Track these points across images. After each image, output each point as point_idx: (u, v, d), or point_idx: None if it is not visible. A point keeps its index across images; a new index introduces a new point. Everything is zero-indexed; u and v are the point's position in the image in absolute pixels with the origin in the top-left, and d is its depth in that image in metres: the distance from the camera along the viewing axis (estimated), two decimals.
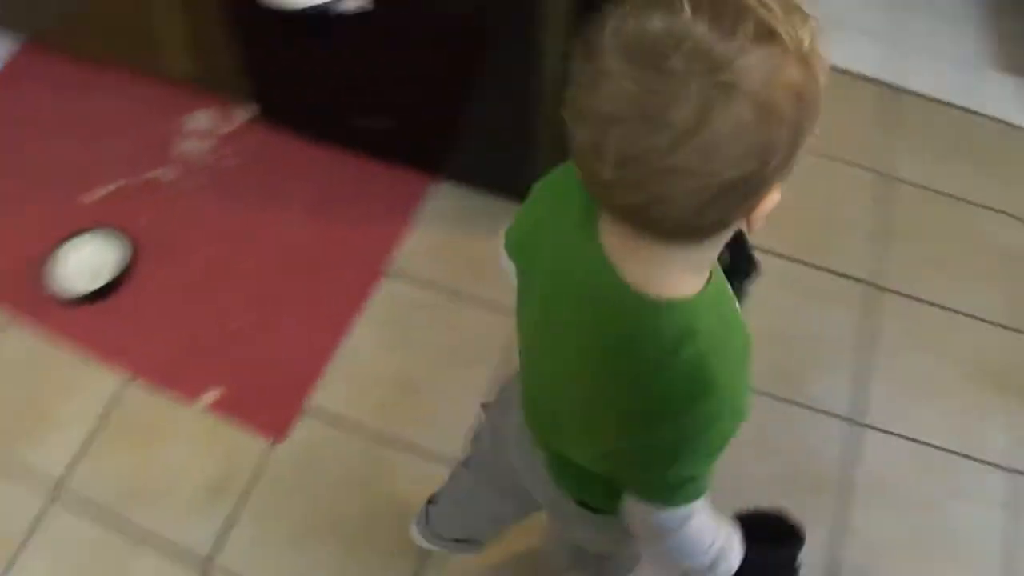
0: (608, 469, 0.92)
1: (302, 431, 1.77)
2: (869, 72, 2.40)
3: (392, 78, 1.88)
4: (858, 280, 2.04)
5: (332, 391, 1.81)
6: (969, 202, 2.23)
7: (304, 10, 1.71)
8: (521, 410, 1.07)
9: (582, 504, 1.06)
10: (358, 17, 1.71)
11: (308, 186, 2.09)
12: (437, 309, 1.94)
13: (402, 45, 1.80)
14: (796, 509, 1.12)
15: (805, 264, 2.05)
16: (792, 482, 1.75)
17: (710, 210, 0.66)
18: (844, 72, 2.35)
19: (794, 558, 1.20)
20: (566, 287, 0.83)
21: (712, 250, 0.76)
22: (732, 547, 0.92)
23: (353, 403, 1.80)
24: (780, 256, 2.01)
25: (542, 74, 1.74)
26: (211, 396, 1.80)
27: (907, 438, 1.83)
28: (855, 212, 2.17)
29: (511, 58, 1.75)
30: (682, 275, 0.76)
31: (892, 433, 1.83)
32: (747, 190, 0.66)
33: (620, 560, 1.26)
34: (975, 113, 2.36)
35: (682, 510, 0.85)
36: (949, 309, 1.99)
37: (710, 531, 0.89)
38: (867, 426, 1.84)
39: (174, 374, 1.83)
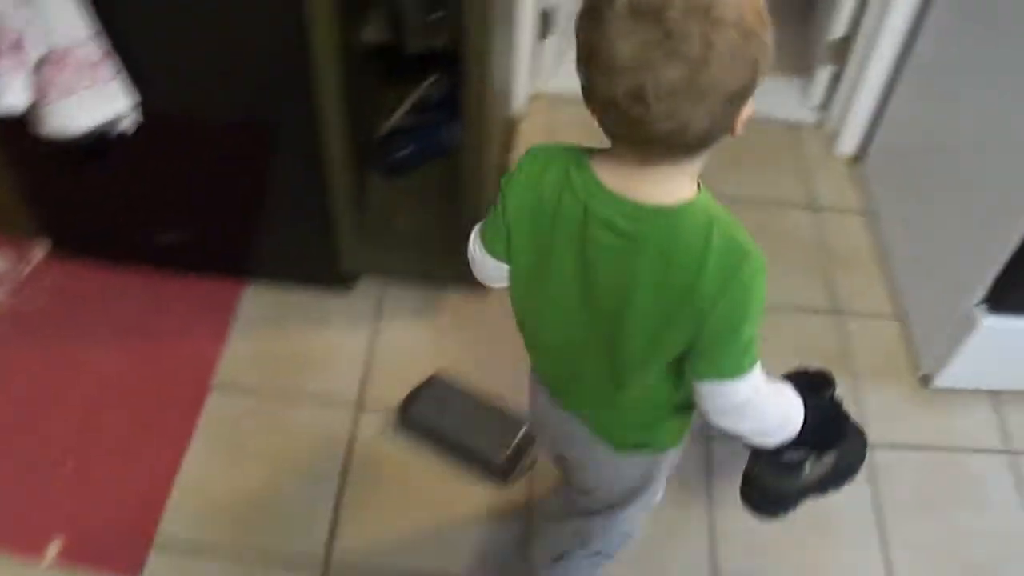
0: (674, 379, 1.06)
1: (158, 564, 1.67)
2: None
3: (179, 190, 1.85)
4: None
5: (181, 516, 1.72)
6: (771, 202, 2.35)
7: (81, 136, 1.65)
8: (544, 389, 1.22)
9: (611, 442, 1.18)
10: (135, 134, 1.67)
11: (118, 313, 2.01)
12: (269, 414, 1.88)
13: (182, 156, 1.77)
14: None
15: None
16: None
17: (720, 120, 0.86)
18: None
19: (833, 398, 1.59)
20: (598, 240, 0.96)
21: (703, 158, 0.94)
22: (795, 402, 1.09)
23: (205, 525, 1.71)
24: None
25: (328, 161, 1.74)
26: (55, 548, 1.68)
27: None
28: None
29: (293, 151, 1.75)
30: (685, 184, 0.94)
31: None
32: (743, 97, 0.86)
33: (620, 520, 1.35)
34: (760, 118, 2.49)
35: (754, 374, 1.01)
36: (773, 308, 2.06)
37: (775, 390, 1.07)
38: None
39: (11, 534, 1.70)
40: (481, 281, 1.19)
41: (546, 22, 2.44)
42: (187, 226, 1.94)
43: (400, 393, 1.86)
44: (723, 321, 0.95)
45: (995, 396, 2.00)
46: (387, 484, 1.78)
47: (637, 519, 1.38)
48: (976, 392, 1.99)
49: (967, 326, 1.83)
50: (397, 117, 2.09)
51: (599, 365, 1.08)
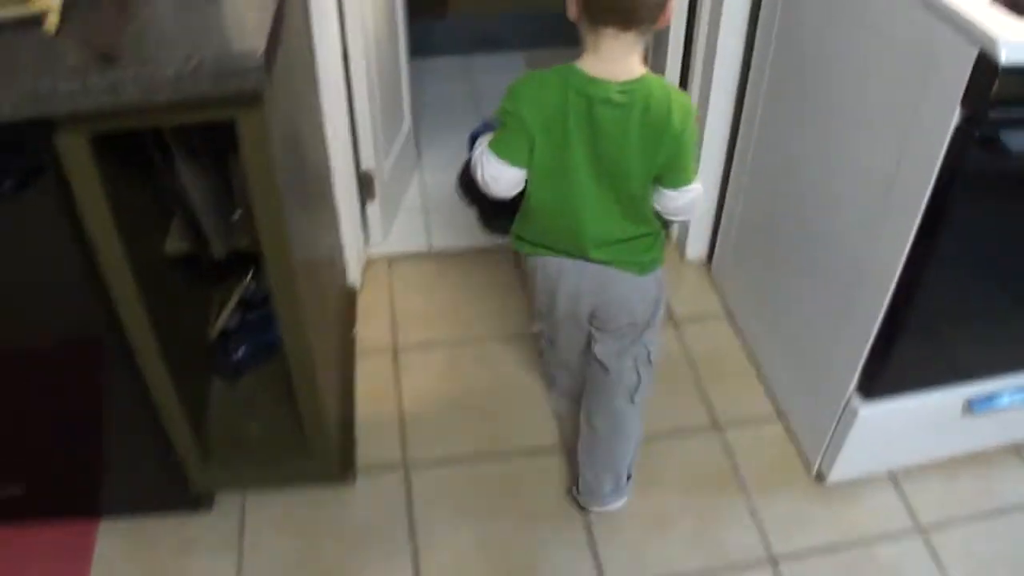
0: (654, 197, 1.51)
1: None
2: None
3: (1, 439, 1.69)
4: None
5: None
6: None
7: None
8: (563, 261, 1.59)
9: (637, 270, 1.58)
10: None
11: None
12: None
13: None
14: None
15: None
16: None
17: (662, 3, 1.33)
18: None
19: None
20: (602, 115, 1.39)
21: (644, 42, 1.39)
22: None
23: None
24: None
25: (151, 380, 1.61)
26: None
27: None
28: None
29: (114, 375, 1.61)
30: (639, 64, 1.40)
31: None
32: None
33: (653, 334, 1.72)
34: None
35: (697, 178, 1.51)
36: (653, 436, 1.99)
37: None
38: None
39: None
40: (496, 194, 1.51)
41: (368, 185, 2.38)
42: (20, 475, 1.76)
43: None
44: (686, 146, 1.44)
45: (893, 476, 1.94)
46: None
47: (656, 341, 1.73)
48: (873, 477, 1.94)
49: (849, 416, 1.78)
50: (224, 319, 1.98)
51: (612, 210, 1.50)
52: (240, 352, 1.98)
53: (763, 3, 1.99)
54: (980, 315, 1.69)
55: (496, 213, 1.68)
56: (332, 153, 2.12)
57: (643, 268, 1.60)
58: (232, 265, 1.94)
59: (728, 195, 2.30)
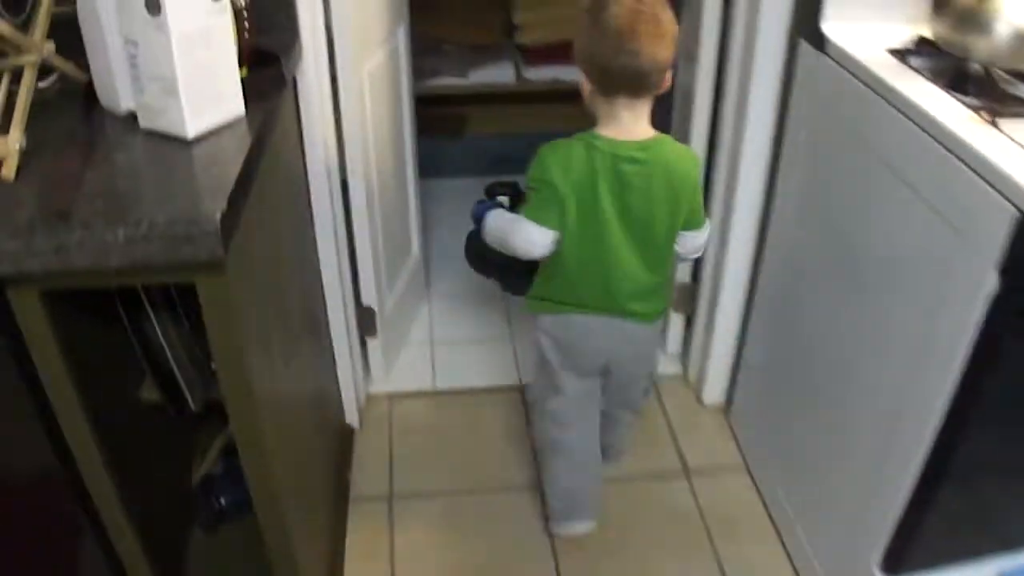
0: (677, 241, 1.67)
1: None
2: None
3: None
4: None
5: None
6: (648, 475, 2.14)
7: None
8: (589, 318, 1.71)
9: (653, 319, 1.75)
10: None
11: None
12: None
13: None
14: None
15: None
16: None
17: (664, 72, 1.52)
18: None
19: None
20: (627, 172, 1.55)
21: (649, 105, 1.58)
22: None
23: None
24: None
25: (115, 539, 1.48)
26: None
27: None
28: None
29: (72, 536, 1.49)
30: (648, 122, 1.58)
31: None
32: (671, 63, 1.51)
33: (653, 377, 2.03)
34: None
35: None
36: None
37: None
38: None
39: None
40: (532, 257, 1.65)
41: (369, 322, 2.27)
42: None
43: None
44: (700, 191, 1.65)
45: None
46: None
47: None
48: None
49: None
50: (207, 464, 1.86)
51: (637, 262, 1.64)
52: (223, 500, 1.85)
53: (782, 158, 1.92)
54: (1016, 482, 1.54)
55: (518, 275, 1.86)
56: (328, 290, 2.02)
57: (658, 316, 1.77)
58: (218, 407, 1.83)
59: (748, 339, 2.17)
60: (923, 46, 1.65)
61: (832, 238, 1.73)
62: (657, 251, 1.65)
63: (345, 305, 2.11)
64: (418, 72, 2.61)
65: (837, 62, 1.66)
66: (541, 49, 3.48)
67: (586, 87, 1.57)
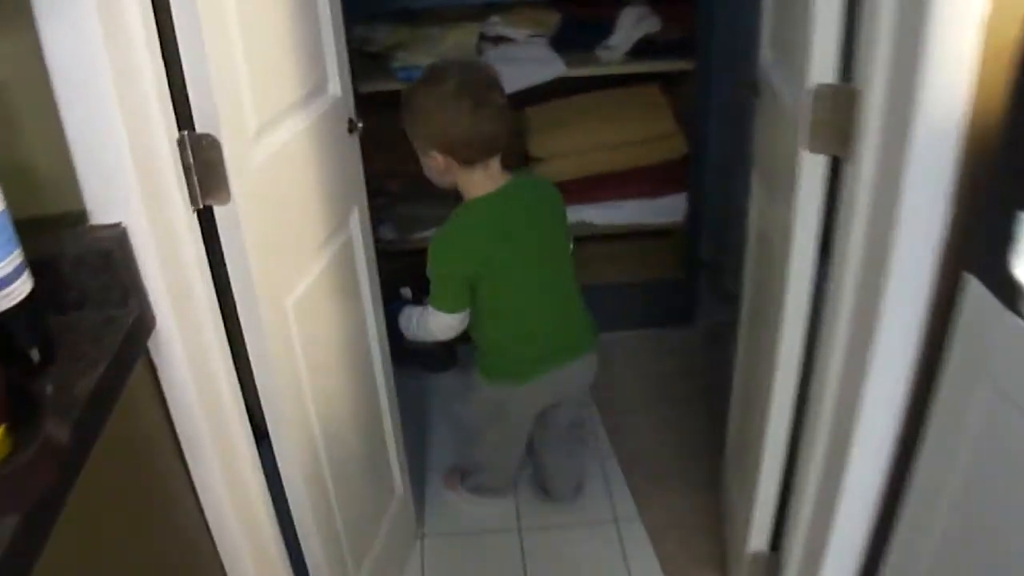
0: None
1: None
2: None
3: None
4: None
5: None
6: None
7: None
8: (540, 368, 1.81)
9: (593, 346, 1.90)
10: None
11: None
12: None
13: None
14: None
15: None
16: None
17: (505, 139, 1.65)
18: None
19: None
20: (522, 207, 1.71)
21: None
22: None
23: None
24: None
25: None
26: None
27: None
28: None
29: None
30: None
31: None
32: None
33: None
34: None
35: None
36: None
37: None
38: None
39: None
40: (448, 338, 1.75)
41: None
42: None
43: None
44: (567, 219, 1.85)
45: None
46: None
47: None
48: None
49: None
50: None
51: (565, 287, 1.80)
52: None
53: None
54: None
55: (434, 356, 2.25)
56: None
57: (594, 344, 1.87)
58: None
59: None
60: None
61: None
62: (569, 268, 1.80)
63: None
64: (407, 224, 2.54)
65: None
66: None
67: (442, 167, 1.63)
